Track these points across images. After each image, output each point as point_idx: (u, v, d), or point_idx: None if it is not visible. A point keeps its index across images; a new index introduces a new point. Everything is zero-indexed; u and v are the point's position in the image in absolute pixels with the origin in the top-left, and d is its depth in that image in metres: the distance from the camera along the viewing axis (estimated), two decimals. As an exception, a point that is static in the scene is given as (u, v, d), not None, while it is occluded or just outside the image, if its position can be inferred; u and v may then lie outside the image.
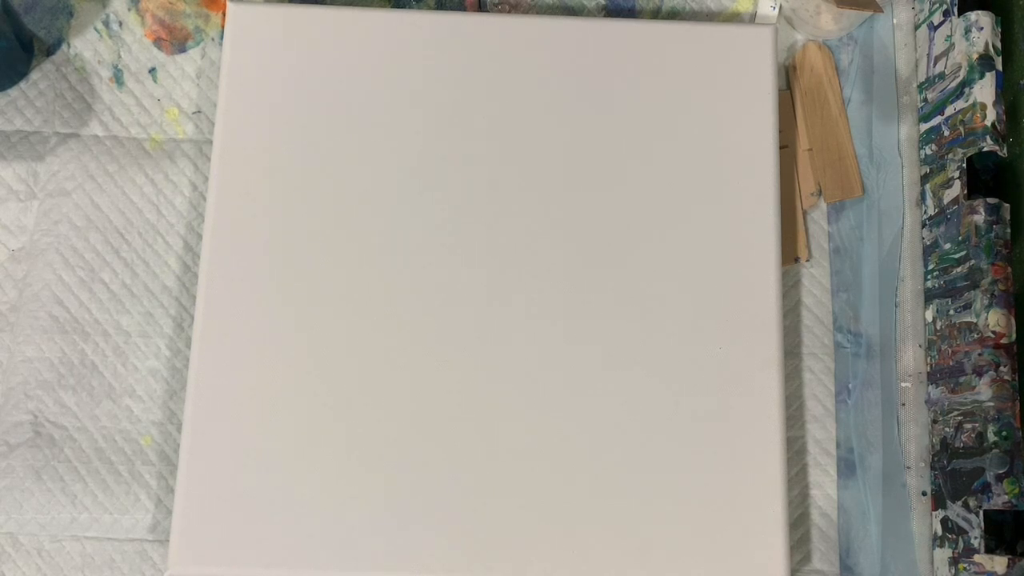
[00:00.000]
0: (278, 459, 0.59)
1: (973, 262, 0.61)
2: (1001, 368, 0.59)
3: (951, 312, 0.63)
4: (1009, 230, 0.62)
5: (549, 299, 0.62)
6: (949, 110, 0.65)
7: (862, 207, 0.68)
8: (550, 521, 0.59)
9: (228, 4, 0.65)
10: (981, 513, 0.58)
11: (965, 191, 0.63)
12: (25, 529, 0.62)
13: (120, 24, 0.69)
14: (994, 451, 0.58)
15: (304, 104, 0.64)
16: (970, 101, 0.63)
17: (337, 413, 0.60)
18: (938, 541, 0.63)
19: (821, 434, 0.65)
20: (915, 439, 0.65)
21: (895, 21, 0.71)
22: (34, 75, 0.68)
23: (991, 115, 0.62)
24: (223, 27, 0.69)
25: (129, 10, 0.70)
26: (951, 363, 0.63)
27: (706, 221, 0.63)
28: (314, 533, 0.58)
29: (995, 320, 0.60)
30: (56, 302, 0.65)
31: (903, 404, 0.66)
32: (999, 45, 0.64)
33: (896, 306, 0.67)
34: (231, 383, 0.60)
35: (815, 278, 0.67)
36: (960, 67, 0.64)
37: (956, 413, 0.62)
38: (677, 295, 0.62)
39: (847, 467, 0.65)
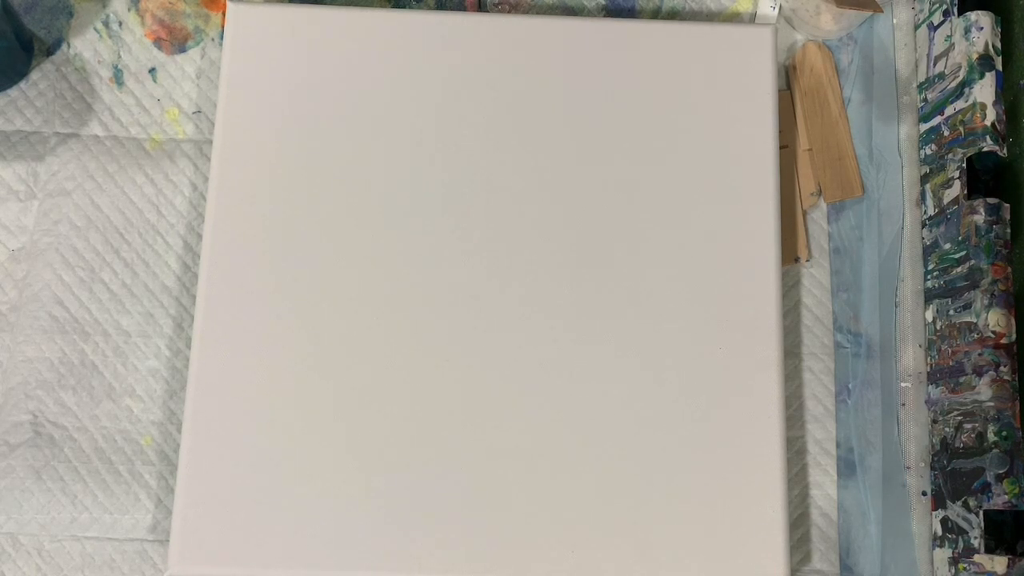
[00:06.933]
0: (278, 459, 0.59)
1: (973, 262, 0.61)
2: (1001, 368, 0.59)
3: (951, 312, 0.63)
4: (1009, 230, 0.62)
5: (549, 299, 0.62)
6: (949, 110, 0.65)
7: (862, 207, 0.68)
8: (550, 521, 0.59)
9: (228, 4, 0.65)
10: (981, 513, 0.58)
11: (965, 191, 0.63)
12: (25, 529, 0.62)
13: (120, 24, 0.69)
14: (994, 451, 0.58)
15: (304, 104, 0.64)
16: (970, 101, 0.63)
17: (337, 413, 0.60)
18: (938, 541, 0.63)
19: (821, 434, 0.65)
20: (915, 439, 0.65)
21: (895, 21, 0.71)
22: (34, 75, 0.68)
23: (991, 115, 0.62)
24: (223, 27, 0.69)
25: (129, 10, 0.70)
26: (951, 363, 0.63)
27: (706, 221, 0.63)
28: (314, 533, 0.58)
29: (995, 320, 0.60)
30: (56, 302, 0.65)
31: (903, 404, 0.66)
32: (999, 45, 0.64)
33: (896, 306, 0.67)
34: (231, 383, 0.60)
35: (815, 278, 0.67)
36: (960, 67, 0.64)
37: (956, 413, 0.62)
38: (677, 295, 0.62)
39: (847, 467, 0.65)
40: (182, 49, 0.70)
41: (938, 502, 0.63)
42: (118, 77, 0.69)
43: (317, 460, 0.59)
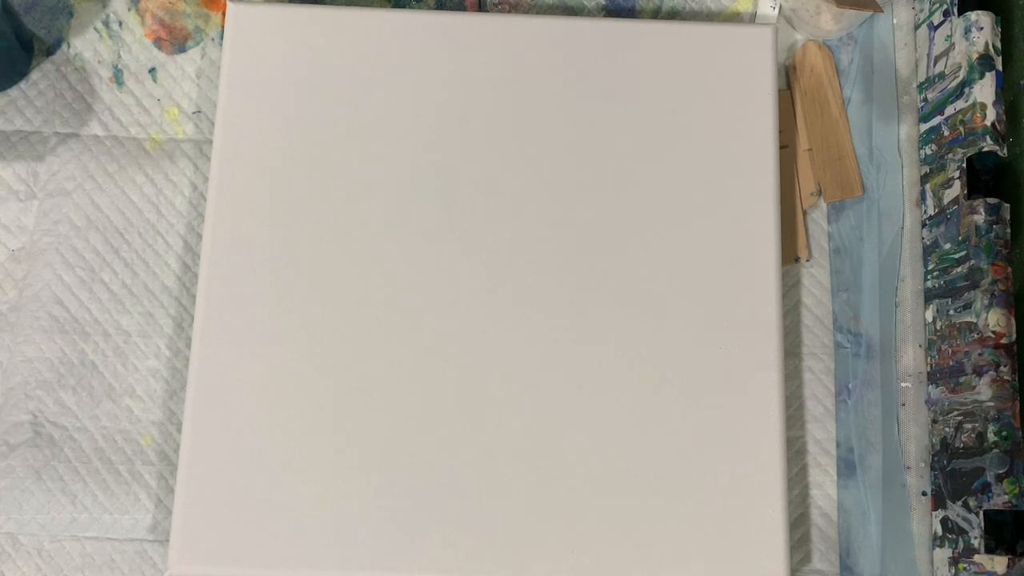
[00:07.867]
0: (278, 459, 0.59)
1: (973, 262, 0.61)
2: (1001, 368, 0.59)
3: (951, 312, 0.63)
4: (1009, 230, 0.62)
5: (548, 299, 0.62)
6: (949, 110, 0.65)
7: (862, 207, 0.68)
8: (550, 521, 0.59)
9: (228, 4, 0.66)
10: (981, 513, 0.58)
11: (965, 191, 0.63)
12: (25, 529, 0.62)
13: (120, 24, 0.69)
14: (994, 451, 0.58)
15: (304, 104, 0.64)
16: (970, 101, 0.63)
17: (337, 413, 0.60)
18: (938, 541, 0.63)
19: (821, 434, 0.65)
20: (915, 439, 0.65)
21: (895, 21, 0.71)
22: (34, 75, 0.68)
23: (991, 115, 0.62)
24: (223, 27, 0.69)
25: (129, 10, 0.70)
26: (951, 363, 0.63)
27: (706, 221, 0.63)
28: (314, 533, 0.58)
29: (995, 320, 0.60)
30: (56, 302, 0.65)
31: (903, 404, 0.66)
32: (999, 45, 0.64)
33: (896, 306, 0.67)
34: (231, 383, 0.60)
35: (815, 278, 0.67)
36: (960, 67, 0.64)
37: (956, 413, 0.62)
38: (677, 295, 0.62)
39: (847, 467, 0.65)
40: (182, 49, 0.70)
41: (938, 502, 0.63)
42: (118, 77, 0.69)
43: (317, 460, 0.59)
